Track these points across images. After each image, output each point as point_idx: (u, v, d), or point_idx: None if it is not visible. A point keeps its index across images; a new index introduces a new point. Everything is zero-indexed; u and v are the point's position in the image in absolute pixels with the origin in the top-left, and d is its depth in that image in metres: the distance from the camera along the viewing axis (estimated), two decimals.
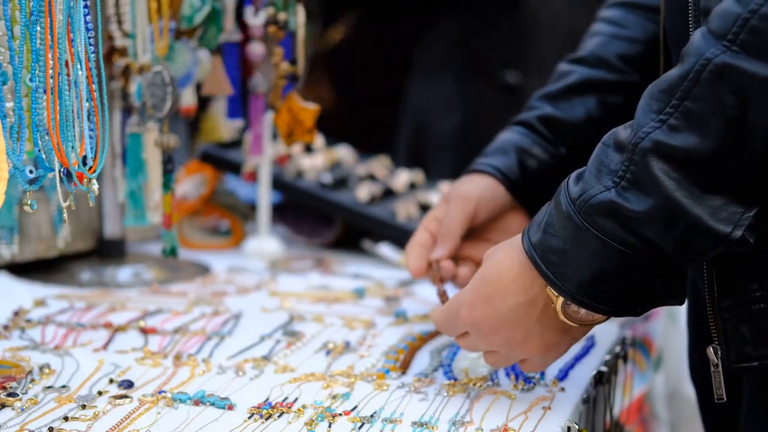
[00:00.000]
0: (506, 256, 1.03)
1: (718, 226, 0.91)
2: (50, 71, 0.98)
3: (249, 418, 1.02)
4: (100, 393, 1.07)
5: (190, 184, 1.79)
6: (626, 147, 0.93)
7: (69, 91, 0.99)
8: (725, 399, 1.01)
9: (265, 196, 1.70)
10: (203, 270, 1.61)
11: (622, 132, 0.94)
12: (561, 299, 0.98)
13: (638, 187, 0.92)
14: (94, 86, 1.02)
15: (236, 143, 1.80)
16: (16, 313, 1.34)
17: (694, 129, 0.90)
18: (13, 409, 1.02)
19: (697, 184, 0.90)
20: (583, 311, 0.99)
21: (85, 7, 1.01)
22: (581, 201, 0.94)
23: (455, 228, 1.27)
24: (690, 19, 1.00)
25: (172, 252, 1.39)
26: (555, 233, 0.97)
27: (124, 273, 1.53)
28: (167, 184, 1.36)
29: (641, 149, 0.91)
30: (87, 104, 1.01)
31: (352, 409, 1.05)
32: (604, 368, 1.17)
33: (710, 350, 1.01)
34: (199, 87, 1.51)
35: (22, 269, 1.52)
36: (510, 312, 1.01)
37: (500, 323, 1.02)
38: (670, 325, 1.59)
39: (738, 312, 1.00)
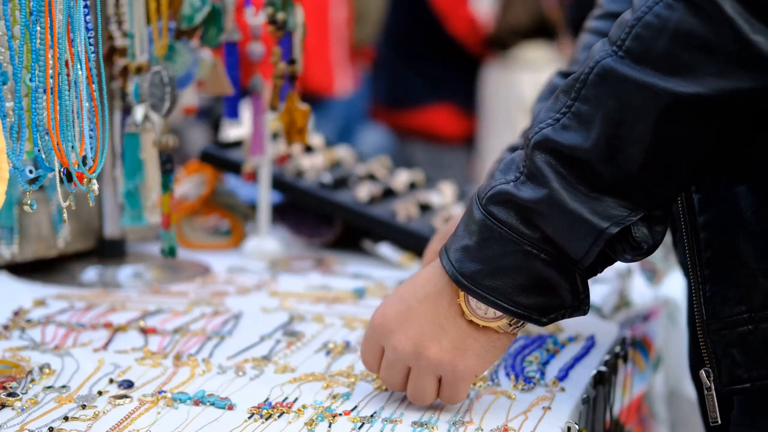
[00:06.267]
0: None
1: (594, 219, 0.92)
2: (50, 71, 0.98)
3: (249, 418, 1.02)
4: (100, 393, 1.07)
5: (190, 184, 1.79)
6: (526, 143, 0.96)
7: (69, 91, 0.99)
8: (720, 422, 1.01)
9: (265, 196, 1.70)
10: (203, 270, 1.60)
11: (528, 131, 0.97)
12: (463, 293, 0.99)
13: (532, 179, 0.94)
14: (94, 86, 1.02)
15: (236, 143, 1.80)
16: (16, 313, 1.34)
17: (581, 129, 0.92)
18: (13, 409, 1.03)
19: (583, 182, 0.93)
20: (483, 306, 0.99)
21: (85, 7, 1.01)
22: (482, 193, 0.97)
23: None
24: None
25: (170, 252, 1.39)
26: (463, 232, 0.99)
27: (124, 273, 1.53)
28: (166, 185, 1.36)
29: (533, 142, 0.95)
30: (87, 104, 1.01)
31: (352, 409, 1.05)
32: (603, 368, 1.17)
33: (703, 373, 1.01)
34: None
35: (22, 269, 1.52)
36: (419, 305, 1.01)
37: (408, 318, 1.01)
38: (669, 326, 1.59)
39: (726, 335, 1.00)
